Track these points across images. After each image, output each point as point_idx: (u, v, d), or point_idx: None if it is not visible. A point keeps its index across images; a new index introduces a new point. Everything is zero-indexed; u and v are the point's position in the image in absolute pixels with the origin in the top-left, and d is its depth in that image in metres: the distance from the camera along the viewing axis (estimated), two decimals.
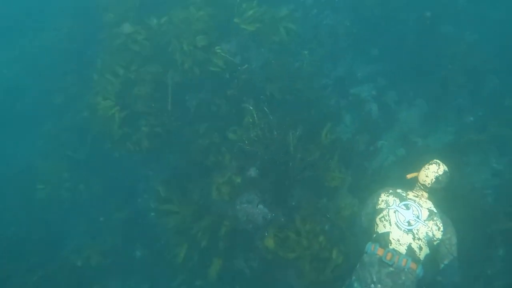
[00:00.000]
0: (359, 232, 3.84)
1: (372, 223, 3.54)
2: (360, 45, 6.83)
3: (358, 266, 3.41)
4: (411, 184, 3.71)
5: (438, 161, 3.60)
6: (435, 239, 3.30)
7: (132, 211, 5.56)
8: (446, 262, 3.33)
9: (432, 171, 3.54)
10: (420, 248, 3.27)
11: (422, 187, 3.55)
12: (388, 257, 3.22)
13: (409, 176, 3.69)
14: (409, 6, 7.07)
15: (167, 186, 4.70)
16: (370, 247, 3.36)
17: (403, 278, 3.20)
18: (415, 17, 6.91)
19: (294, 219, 4.02)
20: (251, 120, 4.03)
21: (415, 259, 3.24)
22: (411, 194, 3.54)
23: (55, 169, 5.73)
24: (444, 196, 3.66)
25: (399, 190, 3.58)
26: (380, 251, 3.28)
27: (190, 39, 5.15)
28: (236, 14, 5.47)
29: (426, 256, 3.31)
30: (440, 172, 3.51)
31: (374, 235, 3.44)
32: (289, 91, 5.10)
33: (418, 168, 3.67)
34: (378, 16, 6.75)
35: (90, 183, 5.69)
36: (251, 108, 4.17)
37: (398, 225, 3.34)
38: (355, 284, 3.34)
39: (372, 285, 3.20)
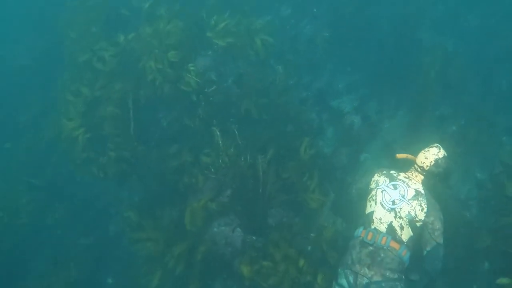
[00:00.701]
0: (347, 206, 3.79)
1: (362, 202, 3.51)
2: (339, 55, 6.80)
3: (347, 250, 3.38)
4: (406, 166, 3.64)
5: (438, 145, 3.55)
6: (417, 219, 3.25)
7: (102, 237, 5.32)
8: (428, 248, 3.23)
9: (432, 153, 3.48)
10: (402, 228, 3.23)
11: (419, 169, 3.48)
12: (369, 237, 3.23)
13: (399, 156, 3.62)
14: (387, 12, 7.12)
15: (138, 211, 4.50)
16: (356, 231, 3.36)
17: (382, 255, 3.17)
18: (394, 24, 6.94)
19: (270, 244, 3.86)
20: (219, 144, 3.87)
21: (396, 239, 3.20)
22: (402, 175, 3.50)
23: (13, 192, 5.43)
24: (437, 184, 3.57)
25: (392, 171, 3.53)
26: (362, 233, 3.29)
27: (161, 55, 4.98)
28: (207, 27, 5.35)
29: (410, 238, 3.25)
30: (440, 155, 3.46)
31: (362, 219, 3.42)
32: (266, 107, 4.97)
33: (411, 151, 3.61)
34: (356, 25, 6.75)
35: (53, 208, 5.42)
36: (218, 133, 4.02)
37: (383, 204, 3.33)
38: (339, 270, 3.33)
39: (351, 265, 3.21)
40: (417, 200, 3.30)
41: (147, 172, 4.64)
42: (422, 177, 3.47)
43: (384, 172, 3.53)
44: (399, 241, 3.19)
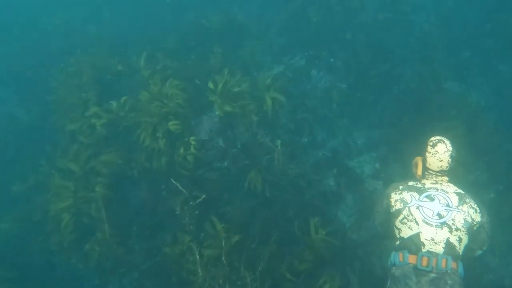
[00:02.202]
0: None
1: (390, 229, 3.15)
2: (357, 109, 6.38)
3: (389, 283, 2.98)
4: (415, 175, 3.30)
5: (438, 137, 3.25)
6: (475, 223, 2.98)
7: None
8: (485, 247, 3.05)
9: (444, 151, 3.15)
10: (460, 240, 2.91)
11: (439, 174, 3.17)
12: (424, 263, 2.82)
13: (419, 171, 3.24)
14: (409, 62, 6.76)
15: None
16: (397, 257, 2.94)
17: (449, 282, 2.77)
18: (417, 75, 6.53)
19: None
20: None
21: (455, 256, 2.87)
22: (428, 183, 3.15)
23: None
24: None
25: (411, 183, 3.18)
26: (412, 259, 2.88)
27: (158, 124, 4.63)
28: (210, 90, 5.02)
29: (465, 248, 2.96)
30: (450, 147, 3.17)
31: (398, 242, 3.02)
32: (276, 182, 4.51)
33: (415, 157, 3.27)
34: (376, 76, 6.37)
35: None
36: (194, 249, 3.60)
37: (427, 221, 2.93)
38: None
39: None
40: (466, 203, 2.98)
41: (141, 262, 4.16)
42: (446, 178, 3.19)
43: (402, 187, 3.17)
44: (457, 257, 2.88)
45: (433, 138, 3.23)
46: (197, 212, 4.21)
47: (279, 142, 4.75)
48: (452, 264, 2.79)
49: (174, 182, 3.97)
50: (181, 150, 4.60)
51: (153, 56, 5.57)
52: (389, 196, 3.15)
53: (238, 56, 6.29)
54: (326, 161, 5.86)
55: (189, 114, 4.87)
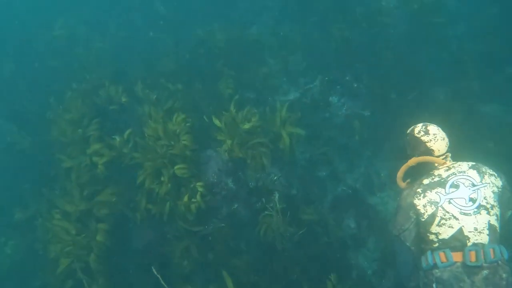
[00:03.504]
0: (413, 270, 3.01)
1: (425, 240, 2.84)
2: (382, 139, 5.90)
3: (435, 286, 2.72)
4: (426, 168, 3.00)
5: (420, 124, 3.09)
6: (499, 189, 2.83)
7: None
8: None
9: (437, 129, 3.03)
10: (497, 217, 2.75)
11: (447, 153, 3.00)
12: (473, 258, 2.60)
13: (402, 182, 3.03)
14: (442, 82, 6.21)
15: None
16: (438, 257, 2.68)
17: (504, 275, 2.57)
18: (449, 97, 5.99)
19: None
20: None
21: (497, 239, 2.68)
22: (442, 172, 2.91)
23: None
24: None
25: (426, 180, 2.90)
26: (457, 256, 2.65)
27: (164, 167, 4.37)
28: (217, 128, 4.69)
29: (501, 217, 2.78)
30: (439, 127, 3.05)
31: (436, 245, 2.76)
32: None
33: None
34: (404, 102, 5.87)
35: None
36: None
37: (465, 212, 2.71)
38: None
39: None
40: (485, 174, 2.83)
41: None
42: (449, 153, 3.02)
43: (420, 189, 2.87)
44: (498, 239, 2.69)
45: (417, 129, 3.05)
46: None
47: (276, 196, 4.33)
48: (499, 252, 2.60)
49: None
50: (185, 198, 4.33)
51: (158, 83, 5.28)
52: (413, 206, 2.83)
53: (250, 78, 5.96)
54: (345, 199, 5.50)
55: (197, 156, 4.57)
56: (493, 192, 2.74)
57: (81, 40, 6.53)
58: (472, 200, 2.70)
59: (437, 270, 2.65)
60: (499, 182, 2.81)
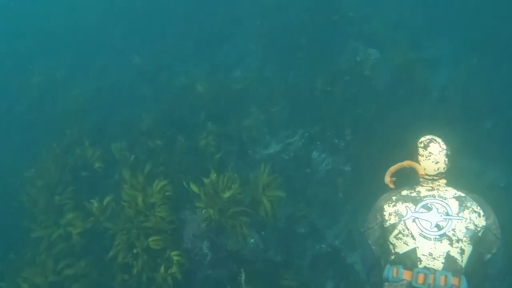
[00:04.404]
0: (372, 266, 3.07)
1: (385, 246, 2.89)
2: (362, 193, 5.97)
3: None
4: (411, 178, 3.04)
5: (428, 136, 2.97)
6: (479, 229, 2.71)
7: None
8: (494, 250, 2.76)
9: (438, 151, 2.88)
10: (462, 252, 2.66)
11: (437, 177, 2.91)
12: (420, 280, 2.60)
13: (388, 178, 3.00)
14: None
15: None
16: (391, 272, 2.69)
17: None
18: None
19: None
20: None
21: (456, 271, 2.62)
22: (423, 190, 2.87)
23: None
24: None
25: (405, 192, 2.89)
26: (406, 275, 2.64)
27: (136, 239, 4.32)
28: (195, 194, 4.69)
29: (469, 257, 2.70)
30: (444, 146, 2.91)
31: (393, 257, 2.77)
32: None
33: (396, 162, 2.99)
34: (380, 157, 5.95)
35: None
36: None
37: (425, 235, 2.69)
38: None
39: None
40: (467, 208, 2.72)
41: None
42: (444, 180, 2.93)
43: (395, 197, 2.87)
44: (459, 271, 2.63)
45: (422, 139, 2.95)
46: None
47: (243, 277, 4.28)
48: (453, 280, 2.56)
49: None
50: (162, 269, 4.31)
51: (137, 140, 5.22)
52: (382, 209, 2.86)
53: (233, 129, 5.95)
54: (325, 257, 5.55)
55: (172, 225, 4.54)
56: (466, 228, 2.69)
57: (61, 87, 6.39)
58: (438, 227, 2.68)
59: (386, 283, 2.69)
60: (481, 222, 2.72)
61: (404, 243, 2.71)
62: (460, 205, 2.74)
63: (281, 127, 6.22)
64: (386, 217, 2.80)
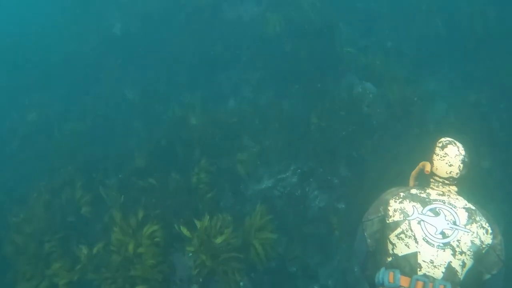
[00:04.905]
0: (365, 261, 2.92)
1: (382, 243, 2.74)
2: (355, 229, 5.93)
3: None
4: (420, 179, 2.96)
5: (449, 138, 2.86)
6: (484, 246, 2.58)
7: None
8: (495, 271, 2.60)
9: (455, 155, 2.75)
10: (463, 266, 2.53)
11: (448, 181, 2.78)
12: None
13: (412, 183, 2.95)
14: None
15: None
16: (387, 276, 2.54)
17: None
18: None
19: None
20: None
21: (455, 283, 2.50)
22: (433, 193, 2.73)
23: None
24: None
25: (414, 191, 2.75)
26: (404, 281, 2.49)
27: None
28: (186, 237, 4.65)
29: (468, 272, 2.57)
30: (462, 152, 2.77)
31: (390, 259, 2.63)
32: None
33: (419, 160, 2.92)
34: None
35: None
36: None
37: (428, 240, 2.55)
38: None
39: None
40: (475, 222, 2.58)
41: None
42: (455, 188, 2.79)
43: (403, 194, 2.74)
44: (457, 284, 2.51)
45: (443, 139, 2.84)
46: None
47: None
48: None
49: None
50: None
51: (129, 180, 5.17)
52: (387, 203, 2.73)
53: (224, 165, 5.91)
54: None
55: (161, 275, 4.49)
56: (472, 242, 2.56)
57: (55, 122, 6.36)
58: (443, 235, 2.55)
59: None
60: (487, 239, 2.60)
61: (406, 245, 2.58)
62: (469, 217, 2.61)
63: (274, 162, 6.13)
64: (390, 213, 2.68)
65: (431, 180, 2.81)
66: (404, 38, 7.23)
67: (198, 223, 4.76)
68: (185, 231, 4.76)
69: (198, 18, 7.11)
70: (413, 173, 2.95)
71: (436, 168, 2.76)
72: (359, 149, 6.15)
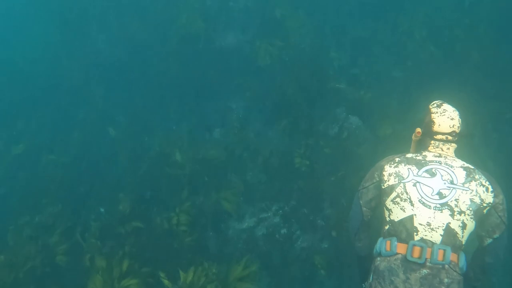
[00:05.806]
0: (359, 231, 2.91)
1: (379, 211, 2.76)
2: (346, 268, 5.95)
3: (371, 277, 2.58)
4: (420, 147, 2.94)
5: (439, 100, 2.91)
6: (484, 205, 2.50)
7: None
8: (497, 235, 2.54)
9: (452, 110, 2.81)
10: (464, 227, 2.45)
11: (451, 137, 2.74)
12: (416, 254, 2.40)
13: (412, 150, 2.95)
14: None
15: None
16: (384, 245, 2.54)
17: (446, 280, 2.35)
18: None
19: None
20: None
21: (456, 246, 2.44)
22: (430, 155, 2.71)
23: None
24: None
25: (409, 155, 2.75)
26: (401, 248, 2.46)
27: None
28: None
29: (470, 235, 2.52)
30: (457, 112, 2.83)
31: (387, 227, 2.60)
32: None
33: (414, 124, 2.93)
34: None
35: None
36: None
37: (424, 202, 2.50)
38: None
39: None
40: (474, 180, 2.53)
41: None
42: (455, 145, 2.78)
43: (398, 158, 2.73)
44: (458, 247, 2.46)
45: (434, 102, 2.88)
46: None
47: None
48: (452, 256, 2.40)
49: None
50: None
51: (110, 226, 5.18)
52: (382, 169, 2.74)
53: (207, 204, 5.90)
54: None
55: None
56: (471, 200, 2.49)
57: (37, 156, 6.33)
58: (440, 195, 2.49)
59: (378, 259, 2.55)
60: (488, 198, 2.53)
61: (401, 208, 2.54)
62: (467, 175, 2.56)
63: (257, 200, 6.12)
64: (385, 178, 2.67)
65: (431, 142, 2.76)
66: (398, 68, 7.09)
67: (182, 275, 4.78)
68: (166, 282, 4.81)
69: (186, 47, 7.05)
70: (412, 150, 2.95)
71: (439, 125, 2.74)
72: (343, 186, 6.14)
